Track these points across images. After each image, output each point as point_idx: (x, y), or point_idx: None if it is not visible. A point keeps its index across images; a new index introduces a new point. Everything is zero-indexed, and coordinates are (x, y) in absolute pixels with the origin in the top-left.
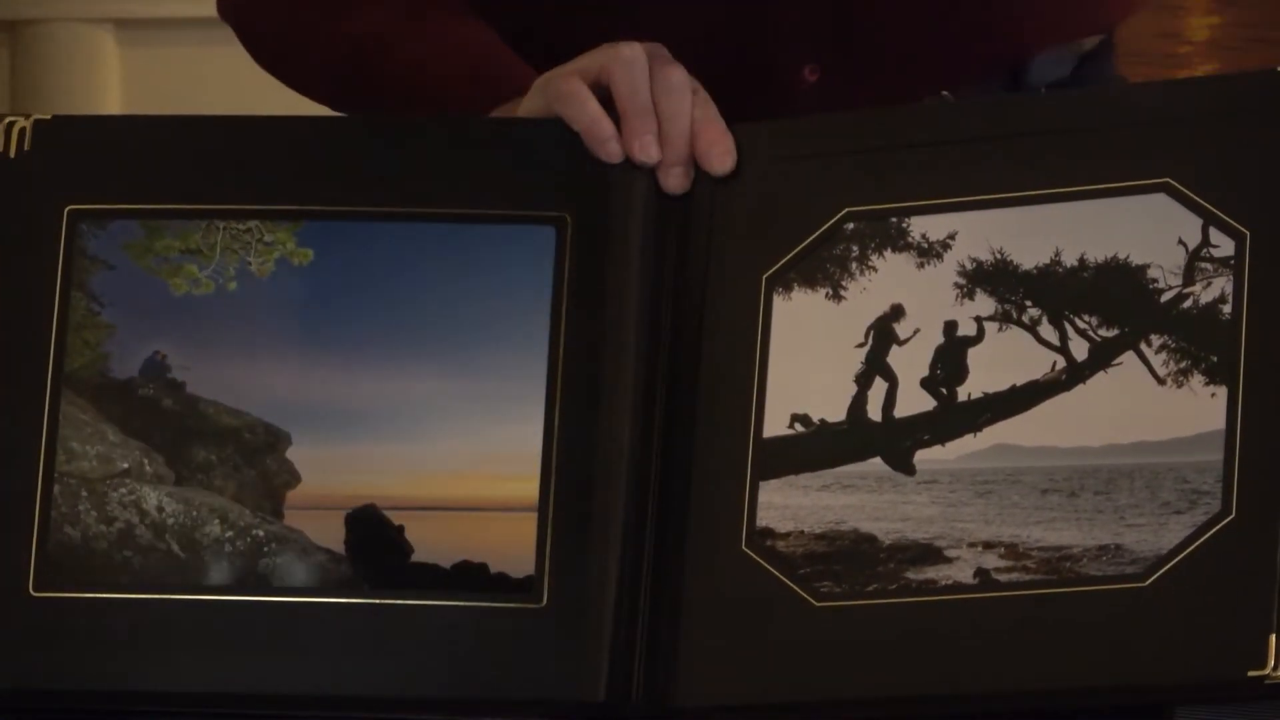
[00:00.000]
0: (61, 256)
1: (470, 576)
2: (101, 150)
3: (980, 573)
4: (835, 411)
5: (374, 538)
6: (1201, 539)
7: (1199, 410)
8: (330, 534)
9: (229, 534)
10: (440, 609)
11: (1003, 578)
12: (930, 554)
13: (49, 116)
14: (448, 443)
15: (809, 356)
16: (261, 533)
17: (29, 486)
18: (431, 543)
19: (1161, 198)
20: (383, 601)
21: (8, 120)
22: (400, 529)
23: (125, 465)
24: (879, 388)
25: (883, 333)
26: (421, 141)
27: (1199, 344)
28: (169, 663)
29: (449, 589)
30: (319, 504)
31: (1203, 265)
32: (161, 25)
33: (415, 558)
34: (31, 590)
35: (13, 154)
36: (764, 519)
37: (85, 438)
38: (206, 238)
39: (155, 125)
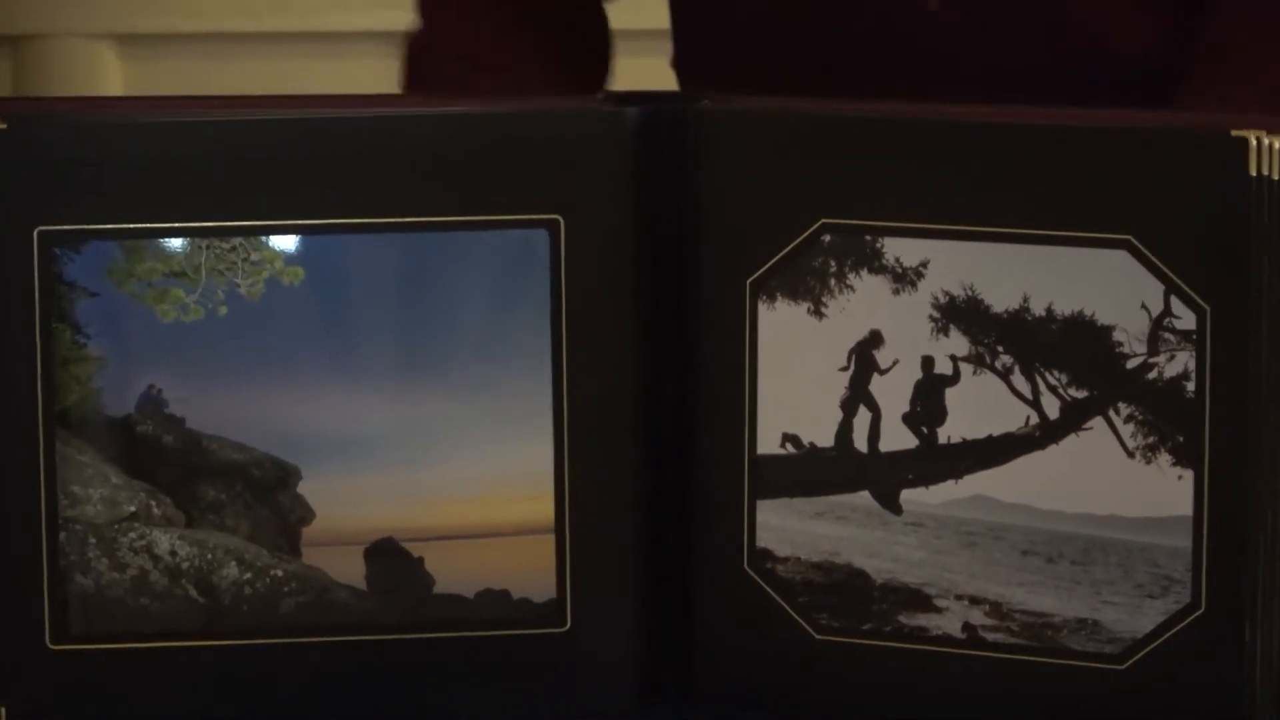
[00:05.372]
0: (38, 284)
1: (494, 605)
2: (70, 161)
3: (968, 628)
4: (824, 436)
5: (395, 571)
6: (1173, 630)
7: (1167, 491)
8: (350, 570)
9: (247, 575)
10: (467, 641)
11: (989, 636)
12: (920, 600)
13: (4, 126)
14: (459, 467)
15: (796, 371)
16: (280, 572)
17: (33, 535)
18: (453, 573)
19: (1123, 255)
20: (410, 637)
21: None
22: (420, 560)
23: (132, 509)
24: (863, 417)
25: (864, 358)
26: (406, 142)
27: (1165, 420)
28: (193, 712)
29: (474, 621)
30: (336, 539)
31: (1165, 335)
32: (163, 40)
33: (438, 589)
34: (49, 643)
35: None
36: (763, 540)
37: (87, 480)
38: (190, 259)
39: (128, 128)
